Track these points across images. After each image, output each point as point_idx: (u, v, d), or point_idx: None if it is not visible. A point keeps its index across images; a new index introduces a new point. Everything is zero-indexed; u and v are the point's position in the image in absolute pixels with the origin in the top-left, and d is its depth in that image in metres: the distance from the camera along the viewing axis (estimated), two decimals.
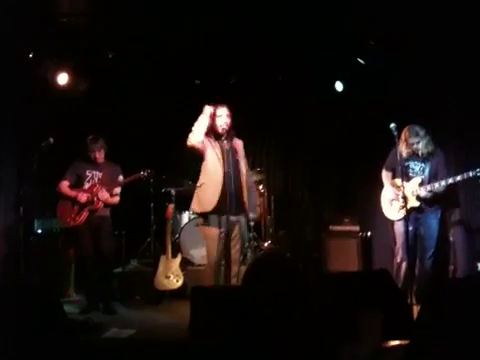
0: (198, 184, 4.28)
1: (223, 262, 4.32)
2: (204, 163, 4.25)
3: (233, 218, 4.11)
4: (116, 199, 5.03)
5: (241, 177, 4.25)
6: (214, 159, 4.19)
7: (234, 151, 4.25)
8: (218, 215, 4.13)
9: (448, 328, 2.16)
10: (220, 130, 4.20)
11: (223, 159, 4.14)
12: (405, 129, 4.59)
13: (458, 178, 4.36)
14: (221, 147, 4.19)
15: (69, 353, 2.41)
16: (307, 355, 2.32)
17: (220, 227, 4.13)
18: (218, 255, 4.19)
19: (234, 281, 4.07)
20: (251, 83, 6.52)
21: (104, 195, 4.87)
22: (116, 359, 2.91)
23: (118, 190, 5.03)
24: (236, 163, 4.22)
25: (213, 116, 4.22)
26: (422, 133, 4.56)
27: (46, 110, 5.65)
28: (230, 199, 4.03)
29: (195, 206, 4.30)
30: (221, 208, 4.11)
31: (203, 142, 4.19)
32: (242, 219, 4.25)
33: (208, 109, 4.19)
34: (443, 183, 4.44)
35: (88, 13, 5.18)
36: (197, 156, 4.28)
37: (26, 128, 5.51)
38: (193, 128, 4.18)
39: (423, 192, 4.54)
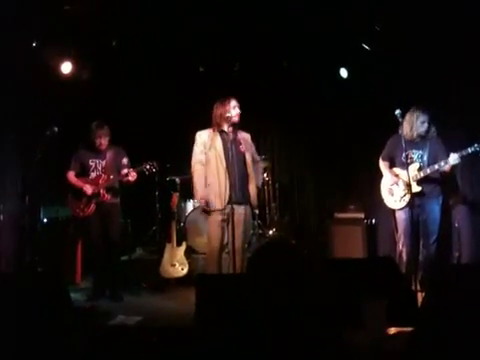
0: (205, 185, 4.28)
1: (227, 250, 4.35)
2: (207, 165, 4.27)
3: (236, 207, 4.13)
4: (132, 178, 4.85)
5: (246, 168, 4.27)
6: (216, 160, 4.21)
7: (238, 143, 4.25)
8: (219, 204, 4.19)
9: (452, 315, 2.16)
10: (232, 119, 4.23)
11: (226, 151, 4.19)
12: (412, 110, 4.57)
13: (456, 156, 4.34)
14: (223, 139, 4.24)
15: (75, 340, 2.43)
16: (311, 342, 2.33)
17: (222, 214, 4.18)
18: (218, 242, 4.22)
19: (238, 270, 4.08)
20: (256, 70, 6.48)
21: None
22: (122, 346, 2.94)
23: (126, 171, 4.89)
24: (240, 154, 4.24)
25: (227, 107, 4.25)
26: (428, 112, 4.56)
27: (50, 98, 5.64)
28: (232, 190, 4.07)
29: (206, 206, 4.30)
30: (221, 199, 4.16)
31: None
32: (246, 209, 4.26)
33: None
34: (442, 163, 4.42)
35: (91, 1, 5.15)
36: None
37: (30, 117, 5.51)
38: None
39: (428, 170, 4.51)
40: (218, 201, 4.17)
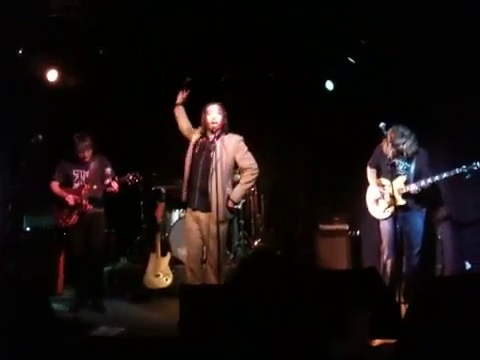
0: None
1: (204, 264, 4.33)
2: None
3: (202, 216, 4.15)
4: (114, 188, 4.90)
5: (214, 177, 4.12)
6: (190, 154, 4.29)
7: (212, 148, 4.14)
8: (189, 209, 4.26)
9: (436, 327, 2.17)
10: (210, 127, 4.18)
11: (196, 155, 4.24)
12: (390, 130, 4.60)
13: (445, 175, 4.39)
14: (202, 143, 4.25)
15: (57, 352, 2.40)
16: (296, 354, 2.33)
17: (194, 225, 4.22)
18: (195, 249, 4.23)
19: (213, 278, 4.09)
20: (243, 80, 6.51)
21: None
22: (105, 357, 2.90)
23: (108, 181, 4.88)
24: (209, 161, 4.14)
25: (204, 114, 4.22)
26: (407, 133, 4.58)
27: (35, 106, 5.60)
28: (196, 194, 4.16)
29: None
30: (189, 201, 4.26)
31: (188, 130, 4.45)
32: (213, 218, 4.10)
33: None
34: (429, 181, 4.47)
35: (79, 9, 5.14)
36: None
37: (15, 125, 5.47)
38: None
39: (413, 187, 4.55)
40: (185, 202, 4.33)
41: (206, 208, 4.14)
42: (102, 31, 5.47)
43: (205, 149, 4.22)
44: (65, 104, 5.84)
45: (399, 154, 4.63)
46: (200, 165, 4.20)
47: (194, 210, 4.22)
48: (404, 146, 4.58)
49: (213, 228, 4.10)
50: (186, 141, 4.47)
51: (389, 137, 4.56)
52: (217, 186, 4.06)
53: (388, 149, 4.60)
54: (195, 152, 4.28)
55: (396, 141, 4.56)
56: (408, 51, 5.06)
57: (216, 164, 4.12)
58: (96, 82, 6.12)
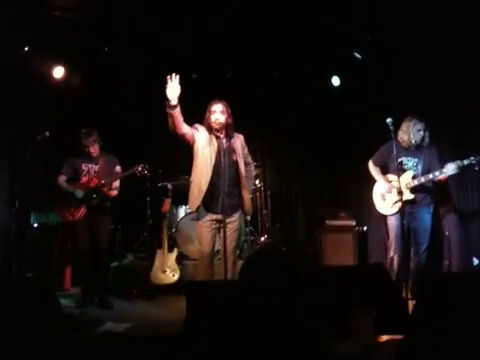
0: (191, 180, 4.25)
1: (219, 256, 4.33)
2: (195, 160, 4.19)
3: (222, 217, 4.07)
4: (114, 192, 4.97)
5: (239, 178, 4.16)
6: (206, 158, 4.11)
7: (232, 151, 4.14)
8: (211, 215, 4.14)
9: (443, 323, 2.17)
10: (214, 126, 4.13)
11: (218, 160, 4.09)
12: (408, 118, 4.62)
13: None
14: (219, 146, 4.12)
15: (64, 347, 2.41)
16: (302, 351, 2.33)
17: (212, 220, 4.14)
18: (209, 247, 4.17)
19: (229, 275, 4.06)
20: (248, 77, 6.49)
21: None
22: (111, 353, 2.91)
23: (117, 183, 4.96)
24: (233, 164, 4.13)
25: (208, 113, 4.19)
26: (424, 120, 4.60)
27: (41, 103, 5.62)
28: (222, 200, 4.02)
29: (189, 204, 4.30)
30: (211, 207, 4.12)
31: (191, 135, 4.12)
32: (237, 216, 4.18)
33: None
34: (437, 173, 4.45)
35: (83, 6, 5.14)
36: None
37: (20, 122, 5.48)
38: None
39: (422, 179, 4.53)
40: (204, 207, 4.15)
41: (235, 210, 4.15)
42: (106, 29, 5.46)
43: (227, 154, 4.11)
44: (70, 101, 5.85)
45: (415, 144, 4.61)
46: (225, 170, 4.08)
47: (218, 214, 4.13)
48: (424, 132, 4.58)
49: (238, 223, 4.19)
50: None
51: (409, 124, 4.58)
52: (245, 187, 4.19)
53: (407, 138, 4.59)
54: (214, 157, 4.12)
55: (417, 126, 4.57)
56: (412, 45, 5.04)
57: (240, 164, 4.17)
58: (102, 79, 6.12)
